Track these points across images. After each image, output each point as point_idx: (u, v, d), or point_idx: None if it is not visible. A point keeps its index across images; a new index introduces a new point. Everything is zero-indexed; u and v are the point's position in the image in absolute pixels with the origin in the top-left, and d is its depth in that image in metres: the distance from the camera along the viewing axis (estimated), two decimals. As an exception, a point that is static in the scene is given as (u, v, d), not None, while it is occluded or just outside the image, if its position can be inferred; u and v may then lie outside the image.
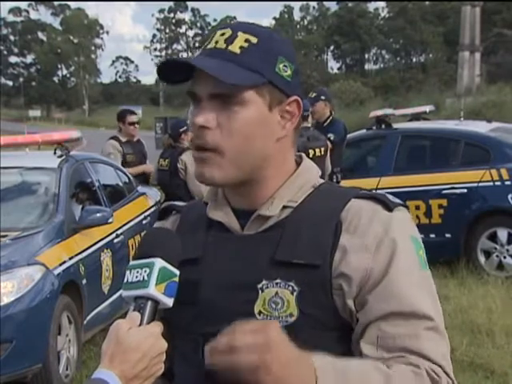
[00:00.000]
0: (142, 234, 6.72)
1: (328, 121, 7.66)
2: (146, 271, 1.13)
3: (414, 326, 1.17)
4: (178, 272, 1.16)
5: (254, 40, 1.23)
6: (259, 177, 1.26)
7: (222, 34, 1.24)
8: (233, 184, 1.26)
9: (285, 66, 1.25)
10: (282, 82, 1.24)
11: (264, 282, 1.21)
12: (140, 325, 1.11)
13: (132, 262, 1.16)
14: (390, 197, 1.27)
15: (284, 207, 1.26)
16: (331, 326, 1.19)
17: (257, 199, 1.27)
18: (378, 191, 1.30)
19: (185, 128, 6.95)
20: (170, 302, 1.14)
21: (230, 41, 1.23)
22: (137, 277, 1.14)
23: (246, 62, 1.21)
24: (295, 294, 1.19)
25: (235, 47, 1.22)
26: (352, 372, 1.10)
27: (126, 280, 1.15)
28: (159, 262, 1.13)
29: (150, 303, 1.13)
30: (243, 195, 1.28)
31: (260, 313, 1.20)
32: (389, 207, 1.24)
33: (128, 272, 1.15)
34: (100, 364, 1.09)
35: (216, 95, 1.21)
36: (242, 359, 1.04)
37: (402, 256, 1.20)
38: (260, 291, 1.20)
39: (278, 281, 1.20)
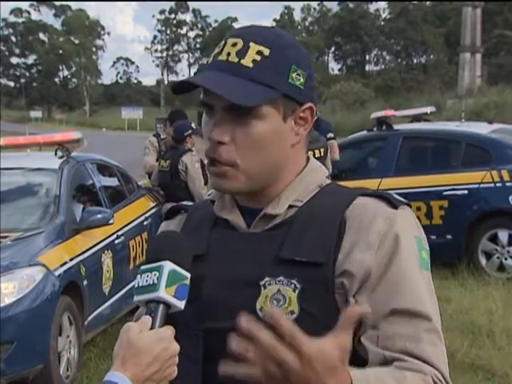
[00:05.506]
0: (143, 235, 6.73)
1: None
2: (155, 275, 1.13)
3: (414, 326, 1.16)
4: (188, 274, 1.15)
5: (266, 52, 1.23)
6: (272, 180, 1.28)
7: (234, 45, 1.24)
8: (249, 192, 1.28)
9: (298, 74, 1.25)
10: (295, 91, 1.24)
11: (267, 278, 1.21)
12: (152, 328, 1.11)
13: (142, 267, 1.16)
14: (396, 195, 1.28)
15: (290, 206, 1.27)
16: (332, 325, 1.17)
17: (265, 199, 1.29)
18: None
19: (189, 132, 6.94)
20: (181, 304, 1.14)
21: (241, 54, 1.22)
22: (147, 281, 1.13)
23: (260, 76, 1.21)
24: (297, 291, 1.19)
25: (248, 61, 1.22)
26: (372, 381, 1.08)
27: (136, 285, 1.15)
28: (168, 265, 1.13)
29: (161, 307, 1.13)
30: (252, 195, 1.29)
31: (262, 309, 1.21)
32: (394, 205, 1.25)
33: (138, 277, 1.15)
34: (112, 367, 1.09)
35: (231, 107, 1.21)
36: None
37: (405, 253, 1.21)
38: (262, 288, 1.21)
39: (280, 278, 1.21)
